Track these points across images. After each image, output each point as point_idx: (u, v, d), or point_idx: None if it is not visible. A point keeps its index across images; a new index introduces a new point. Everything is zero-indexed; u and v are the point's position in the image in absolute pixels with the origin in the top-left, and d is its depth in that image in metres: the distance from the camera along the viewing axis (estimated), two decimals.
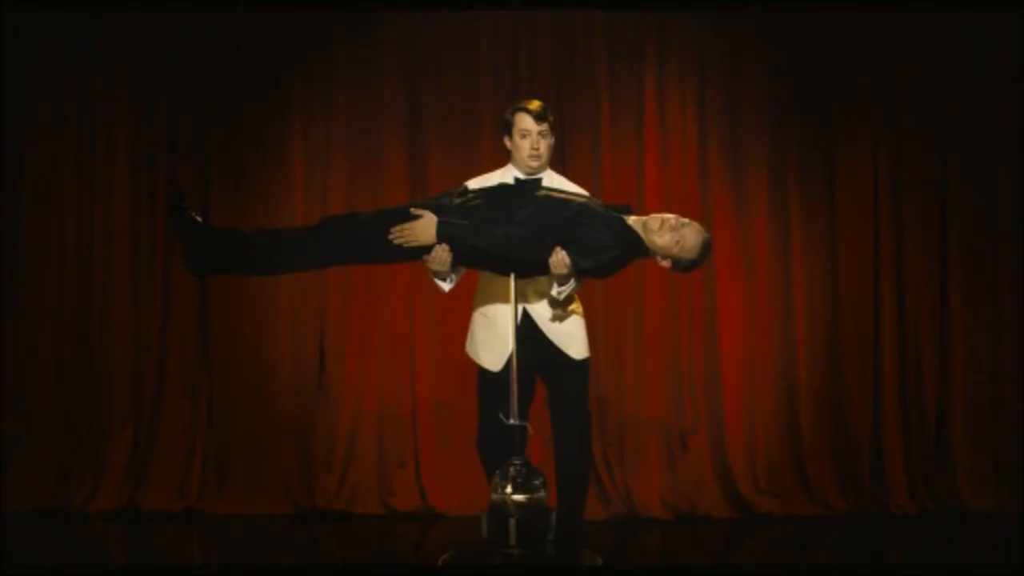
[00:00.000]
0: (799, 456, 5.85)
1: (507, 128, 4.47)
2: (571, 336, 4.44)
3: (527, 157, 4.42)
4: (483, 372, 4.47)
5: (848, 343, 5.90)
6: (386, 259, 4.37)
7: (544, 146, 4.43)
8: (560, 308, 4.41)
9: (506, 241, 4.05)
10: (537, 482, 4.13)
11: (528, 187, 4.33)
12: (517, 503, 4.08)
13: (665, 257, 4.18)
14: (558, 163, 4.77)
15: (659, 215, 4.19)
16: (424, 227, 4.09)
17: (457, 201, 4.19)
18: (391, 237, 4.10)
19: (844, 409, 5.88)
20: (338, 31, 5.98)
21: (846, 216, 5.94)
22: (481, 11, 5.89)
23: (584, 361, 4.48)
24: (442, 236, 4.08)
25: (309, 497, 5.82)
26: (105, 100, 5.98)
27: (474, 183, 4.42)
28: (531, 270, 4.19)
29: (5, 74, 5.93)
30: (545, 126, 4.41)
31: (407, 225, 4.10)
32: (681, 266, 4.23)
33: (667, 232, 4.13)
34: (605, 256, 4.10)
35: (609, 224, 4.12)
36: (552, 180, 4.47)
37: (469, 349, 4.55)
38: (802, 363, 5.88)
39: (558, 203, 4.15)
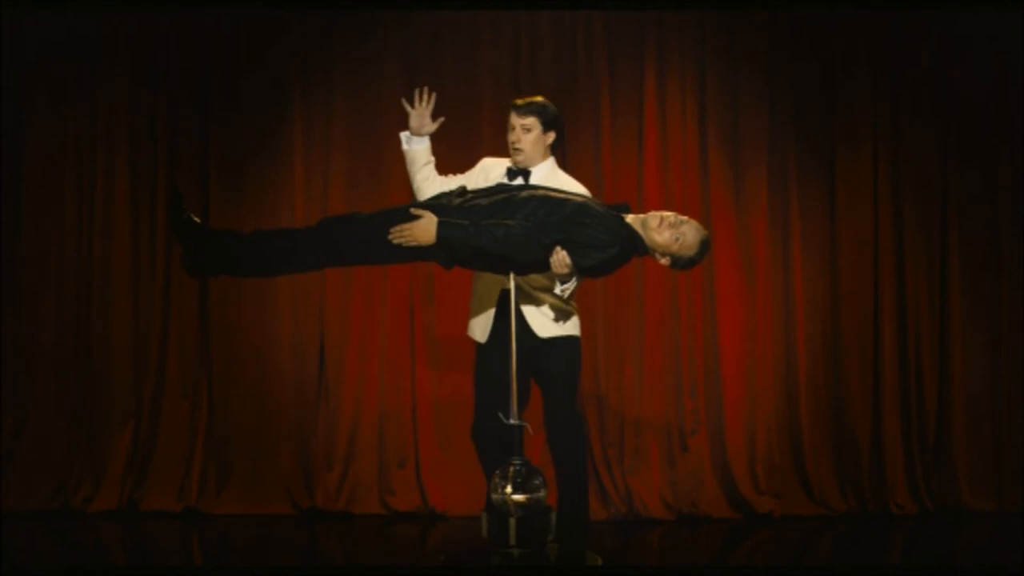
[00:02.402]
0: (799, 456, 5.85)
1: None
2: (557, 332, 4.45)
3: (510, 150, 4.47)
4: (477, 348, 4.53)
5: (848, 343, 5.90)
6: (386, 259, 4.37)
7: (527, 141, 4.44)
8: (566, 304, 4.42)
9: (506, 241, 4.05)
10: (537, 482, 4.12)
11: (528, 186, 4.33)
12: (517, 503, 4.08)
13: (664, 255, 4.18)
14: (558, 163, 4.76)
15: (658, 212, 4.19)
16: (424, 227, 4.08)
17: (456, 201, 4.19)
18: (390, 237, 4.09)
19: (844, 409, 5.88)
20: (338, 31, 5.98)
21: (846, 216, 5.94)
22: (481, 11, 5.89)
23: (568, 356, 4.48)
24: (442, 236, 4.08)
25: (309, 497, 5.82)
26: (105, 100, 5.98)
27: (484, 163, 4.57)
28: (531, 270, 4.20)
29: (5, 74, 5.93)
30: (530, 120, 4.43)
31: (407, 225, 4.09)
32: (680, 264, 4.22)
33: (666, 229, 4.13)
34: (604, 255, 4.09)
35: (608, 223, 4.11)
36: (556, 176, 4.47)
37: (469, 331, 4.59)
38: (802, 363, 5.87)
39: (557, 202, 4.15)
